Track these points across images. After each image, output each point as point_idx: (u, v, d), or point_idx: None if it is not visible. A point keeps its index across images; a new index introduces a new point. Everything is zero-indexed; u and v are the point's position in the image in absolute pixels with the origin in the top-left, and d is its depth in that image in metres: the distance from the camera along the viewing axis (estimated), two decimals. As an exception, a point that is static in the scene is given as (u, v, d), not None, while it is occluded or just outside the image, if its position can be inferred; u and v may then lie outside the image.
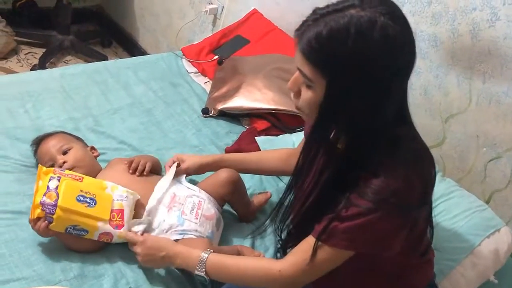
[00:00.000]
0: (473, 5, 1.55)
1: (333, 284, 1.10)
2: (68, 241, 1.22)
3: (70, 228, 1.18)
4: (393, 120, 0.95)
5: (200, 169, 1.42)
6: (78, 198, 1.19)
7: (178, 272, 1.25)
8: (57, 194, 1.17)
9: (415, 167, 0.95)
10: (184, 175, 1.41)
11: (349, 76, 0.88)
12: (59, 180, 1.20)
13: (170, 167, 1.39)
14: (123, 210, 1.24)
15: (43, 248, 1.21)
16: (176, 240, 1.24)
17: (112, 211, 1.22)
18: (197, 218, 1.29)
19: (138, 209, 1.29)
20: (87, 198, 1.21)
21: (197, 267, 1.12)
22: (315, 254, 1.00)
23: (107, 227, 1.20)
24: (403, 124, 1.00)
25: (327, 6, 0.90)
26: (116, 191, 1.27)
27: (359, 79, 0.88)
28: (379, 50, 0.86)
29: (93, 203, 1.21)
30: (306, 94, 0.94)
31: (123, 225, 1.22)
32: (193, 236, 1.26)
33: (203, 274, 1.12)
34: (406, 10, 1.68)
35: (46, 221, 1.15)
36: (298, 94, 0.97)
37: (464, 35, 1.59)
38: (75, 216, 1.17)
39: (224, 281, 1.16)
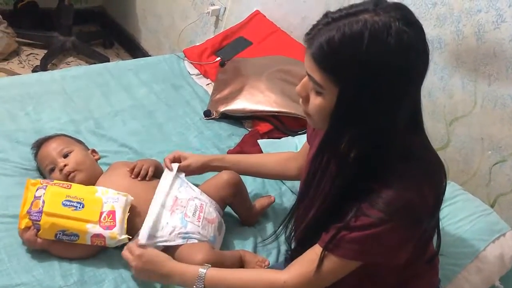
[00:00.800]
0: (478, 6, 1.53)
1: None
2: (61, 251, 1.20)
3: (60, 233, 1.16)
4: (406, 128, 0.92)
5: (201, 168, 1.40)
6: (64, 203, 1.19)
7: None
8: (43, 201, 1.17)
9: (428, 179, 0.93)
10: (184, 173, 1.39)
11: (363, 84, 0.85)
12: (45, 189, 1.20)
13: (169, 160, 1.37)
14: (115, 211, 1.21)
15: (43, 253, 1.19)
16: (179, 246, 1.23)
17: (102, 213, 1.21)
18: (199, 221, 1.28)
19: (135, 212, 1.27)
20: (74, 202, 1.20)
21: (196, 284, 1.07)
22: (321, 264, 0.97)
23: (98, 229, 1.18)
24: (416, 133, 0.97)
25: (340, 10, 0.87)
26: (106, 194, 1.25)
27: (373, 87, 0.85)
28: (394, 56, 0.83)
29: (81, 207, 1.20)
30: (316, 100, 0.91)
31: (114, 226, 1.19)
32: (196, 240, 1.25)
33: (202, 286, 1.07)
34: (410, 12, 1.68)
35: (35, 229, 1.15)
36: (306, 99, 0.94)
37: (469, 37, 1.58)
38: (62, 221, 1.16)
39: None
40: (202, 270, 1.08)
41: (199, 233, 1.26)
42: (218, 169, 1.40)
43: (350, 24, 0.83)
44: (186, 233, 1.25)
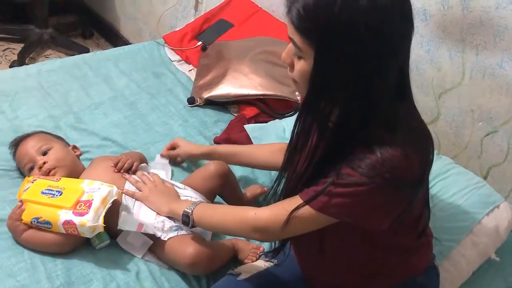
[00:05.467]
0: (462, -26, 1.49)
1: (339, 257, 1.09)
2: (39, 241, 1.17)
3: (34, 220, 1.16)
4: (390, 95, 0.91)
5: (190, 158, 1.50)
6: (43, 191, 1.20)
7: (173, 275, 1.21)
8: (24, 191, 1.21)
9: (414, 146, 0.92)
10: (170, 174, 1.45)
11: (336, 45, 0.85)
12: (33, 182, 1.22)
13: (167, 148, 1.49)
14: (92, 200, 1.18)
15: (26, 257, 1.16)
16: (170, 238, 1.20)
17: (79, 201, 1.18)
18: None
19: (118, 205, 1.23)
20: (54, 191, 1.20)
21: (188, 206, 1.16)
22: (296, 211, 0.97)
23: (69, 215, 1.15)
24: (403, 101, 0.96)
25: None
26: (91, 185, 1.23)
27: (347, 49, 0.85)
28: (366, 18, 0.82)
29: (58, 194, 1.19)
30: (298, 64, 0.91)
31: (87, 213, 1.15)
32: (185, 232, 1.22)
33: (190, 211, 1.14)
34: (393, -17, 1.63)
35: (21, 209, 1.18)
36: (292, 65, 0.94)
37: (454, 7, 1.53)
38: (35, 206, 1.18)
39: (206, 223, 1.16)
40: (190, 208, 1.16)
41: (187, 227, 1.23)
42: (208, 159, 1.45)
43: None
44: (177, 226, 1.22)
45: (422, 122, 1.01)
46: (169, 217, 1.23)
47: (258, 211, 1.06)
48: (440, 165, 1.54)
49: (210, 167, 1.36)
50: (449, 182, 1.49)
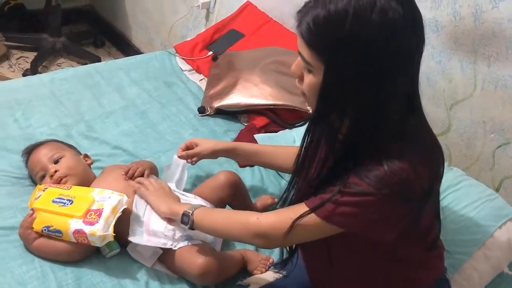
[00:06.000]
0: (474, -14, 1.48)
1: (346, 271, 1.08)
2: (49, 249, 1.18)
3: (45, 229, 1.17)
4: (400, 108, 0.91)
5: (213, 154, 1.41)
6: (54, 200, 1.20)
7: (183, 285, 1.21)
8: (36, 199, 1.22)
9: (423, 159, 0.91)
10: (185, 179, 1.41)
11: (347, 60, 0.85)
12: (44, 190, 1.23)
13: (182, 149, 1.39)
14: (102, 209, 1.18)
15: (37, 265, 1.16)
16: (180, 248, 1.20)
17: (89, 210, 1.18)
18: None
19: (129, 214, 1.24)
20: (64, 199, 1.20)
21: (189, 207, 1.15)
22: (301, 218, 0.96)
23: (80, 224, 1.15)
24: (413, 113, 0.96)
25: None
26: (101, 194, 1.23)
27: (358, 63, 0.84)
28: (377, 33, 0.82)
29: (69, 203, 1.20)
30: (307, 78, 0.91)
31: (97, 222, 1.16)
32: (195, 242, 1.22)
33: (190, 212, 1.14)
34: (404, -5, 1.63)
35: (32, 217, 1.19)
36: (301, 78, 0.94)
37: (466, 18, 1.53)
38: (46, 215, 1.18)
39: (207, 226, 1.14)
40: (191, 209, 1.15)
41: (197, 236, 1.23)
42: (230, 157, 1.43)
43: (335, 1, 0.83)
44: (187, 235, 1.23)
45: (432, 135, 1.00)
46: (168, 218, 1.22)
47: (261, 216, 1.05)
48: (451, 176, 1.52)
49: (220, 177, 1.36)
50: (461, 194, 1.47)
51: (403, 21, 0.84)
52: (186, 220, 1.14)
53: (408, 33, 0.86)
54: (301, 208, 0.97)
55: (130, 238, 1.20)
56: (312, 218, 0.95)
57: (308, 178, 1.01)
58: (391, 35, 0.83)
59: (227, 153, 1.41)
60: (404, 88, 0.91)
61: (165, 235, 1.21)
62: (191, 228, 1.15)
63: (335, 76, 0.87)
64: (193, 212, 1.14)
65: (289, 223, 0.97)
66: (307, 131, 0.98)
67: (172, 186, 1.36)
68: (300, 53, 0.90)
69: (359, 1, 0.82)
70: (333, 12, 0.83)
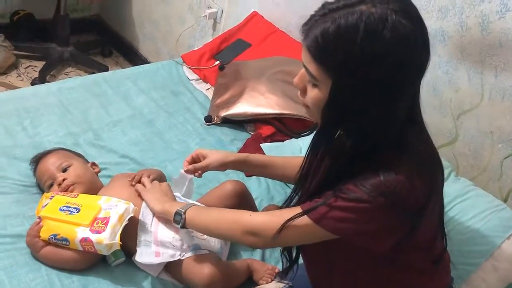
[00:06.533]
0: (481, -4, 1.49)
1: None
2: (56, 257, 1.18)
3: (52, 237, 1.17)
4: (402, 121, 0.91)
5: (222, 166, 1.32)
6: (61, 208, 1.21)
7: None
8: (43, 207, 1.22)
9: (420, 171, 0.91)
10: (192, 192, 1.38)
11: (357, 77, 0.83)
12: (51, 198, 1.24)
13: (188, 162, 1.31)
14: (109, 217, 1.18)
15: (44, 273, 1.16)
16: (186, 257, 1.21)
17: (96, 218, 1.19)
18: (203, 235, 1.24)
19: (136, 221, 1.24)
20: (71, 208, 1.21)
21: (182, 206, 1.15)
22: (293, 220, 0.96)
23: (86, 233, 1.16)
24: (413, 126, 0.95)
25: (337, 0, 0.86)
26: (108, 202, 1.23)
27: (367, 80, 0.84)
28: (389, 49, 0.82)
29: (76, 211, 1.20)
30: (312, 92, 0.90)
31: (104, 230, 1.16)
32: (202, 252, 1.23)
33: (183, 211, 1.14)
34: (411, 5, 1.63)
35: (39, 225, 1.20)
36: (304, 90, 0.93)
37: (473, 28, 1.53)
38: (53, 223, 1.18)
39: (199, 224, 1.14)
40: (184, 208, 1.16)
41: (205, 246, 1.24)
42: (240, 169, 1.39)
43: (345, 16, 0.82)
44: (195, 244, 1.23)
45: (432, 148, 1.00)
46: (175, 228, 1.22)
47: (254, 214, 1.06)
48: (459, 187, 1.51)
49: (226, 186, 1.36)
50: (468, 205, 1.46)
51: (414, 37, 0.84)
52: (178, 219, 1.15)
53: (419, 49, 0.86)
54: (296, 210, 0.97)
55: (137, 258, 1.19)
56: (304, 220, 0.95)
57: (310, 188, 1.01)
58: (403, 51, 0.83)
59: (237, 165, 1.33)
60: (408, 101, 0.91)
61: (173, 245, 1.21)
62: (183, 226, 1.15)
63: (343, 92, 0.86)
64: (185, 211, 1.14)
65: (281, 222, 0.96)
66: (311, 145, 0.98)
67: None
68: (305, 67, 0.89)
69: (370, 17, 0.81)
70: (343, 27, 0.82)
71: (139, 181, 1.34)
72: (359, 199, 0.89)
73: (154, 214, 1.26)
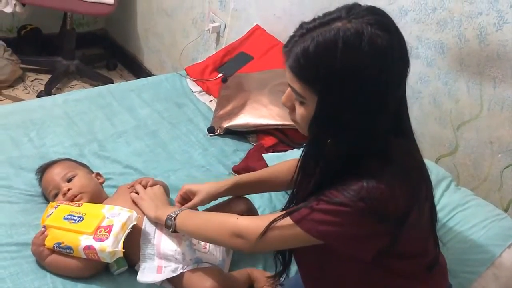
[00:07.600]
0: (478, 9, 1.51)
1: None
2: (61, 265, 1.20)
3: (56, 245, 1.19)
4: (388, 131, 0.93)
5: (214, 198, 1.31)
6: (65, 217, 1.23)
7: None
8: (48, 216, 1.24)
9: (402, 181, 0.92)
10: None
11: (341, 91, 0.86)
12: (56, 207, 1.26)
13: (179, 203, 1.30)
14: (112, 225, 1.20)
15: (49, 281, 1.18)
16: (188, 270, 1.21)
17: (99, 226, 1.20)
18: (206, 248, 1.26)
19: (138, 230, 1.25)
20: (75, 216, 1.23)
21: (173, 211, 1.18)
22: (277, 221, 0.98)
23: (90, 241, 1.17)
24: (402, 136, 0.98)
25: (314, 20, 0.89)
26: (111, 210, 1.25)
27: (351, 93, 0.86)
28: (369, 61, 0.85)
29: (80, 220, 1.22)
30: (300, 110, 0.93)
31: (107, 238, 1.17)
32: (204, 265, 1.24)
33: (173, 215, 1.16)
34: (410, 18, 1.66)
35: (44, 234, 1.21)
36: (292, 108, 0.96)
37: (471, 40, 1.56)
38: (58, 232, 1.20)
39: (188, 228, 1.16)
40: (174, 213, 1.19)
41: (207, 259, 1.25)
42: (232, 195, 1.36)
43: (323, 33, 0.85)
44: (197, 258, 1.24)
45: (418, 159, 1.01)
46: (177, 241, 1.23)
47: (241, 217, 1.08)
48: (459, 196, 1.53)
49: (230, 204, 1.35)
50: (469, 214, 1.47)
51: (391, 47, 0.86)
52: (169, 224, 1.17)
53: (396, 58, 0.88)
54: (282, 213, 1.00)
55: (139, 278, 1.19)
56: (287, 221, 0.97)
57: (303, 197, 1.03)
58: (382, 62, 0.86)
59: (231, 191, 1.32)
60: (392, 111, 0.93)
61: (176, 258, 1.22)
62: (174, 231, 1.17)
63: (329, 106, 0.88)
64: (176, 215, 1.16)
65: (266, 224, 0.99)
66: (303, 160, 1.01)
67: None
68: (290, 86, 0.92)
69: (347, 32, 0.84)
70: (322, 44, 0.85)
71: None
72: (340, 203, 0.91)
73: (156, 227, 1.27)
